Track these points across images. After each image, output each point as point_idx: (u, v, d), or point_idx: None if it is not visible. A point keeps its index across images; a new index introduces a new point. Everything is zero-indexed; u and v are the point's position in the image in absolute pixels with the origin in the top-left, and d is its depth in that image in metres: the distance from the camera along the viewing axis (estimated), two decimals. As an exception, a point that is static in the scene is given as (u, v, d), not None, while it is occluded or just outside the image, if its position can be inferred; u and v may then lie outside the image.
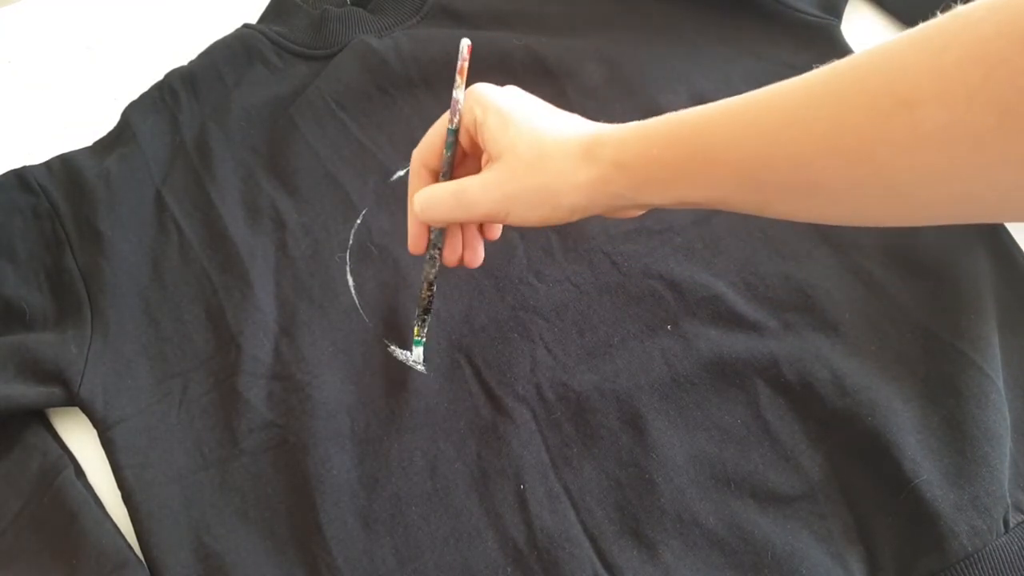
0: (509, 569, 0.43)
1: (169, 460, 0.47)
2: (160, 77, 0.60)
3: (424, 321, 0.47)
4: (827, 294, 0.49)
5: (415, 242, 0.44)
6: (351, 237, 0.54)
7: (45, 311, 0.52)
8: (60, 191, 0.55)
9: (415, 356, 0.48)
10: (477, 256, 0.45)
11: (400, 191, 0.55)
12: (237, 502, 0.46)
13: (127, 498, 0.46)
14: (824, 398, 0.45)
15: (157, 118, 0.59)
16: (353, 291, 0.52)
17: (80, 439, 0.49)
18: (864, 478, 0.43)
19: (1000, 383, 0.45)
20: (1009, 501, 0.42)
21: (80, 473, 0.48)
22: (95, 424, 0.48)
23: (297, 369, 0.49)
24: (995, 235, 0.50)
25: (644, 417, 0.46)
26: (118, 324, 0.51)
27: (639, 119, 0.57)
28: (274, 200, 0.55)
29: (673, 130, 0.36)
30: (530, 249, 0.52)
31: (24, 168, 0.56)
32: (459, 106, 0.41)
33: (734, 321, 0.48)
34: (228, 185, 0.56)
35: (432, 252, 0.44)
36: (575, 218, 0.39)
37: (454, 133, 0.42)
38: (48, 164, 0.57)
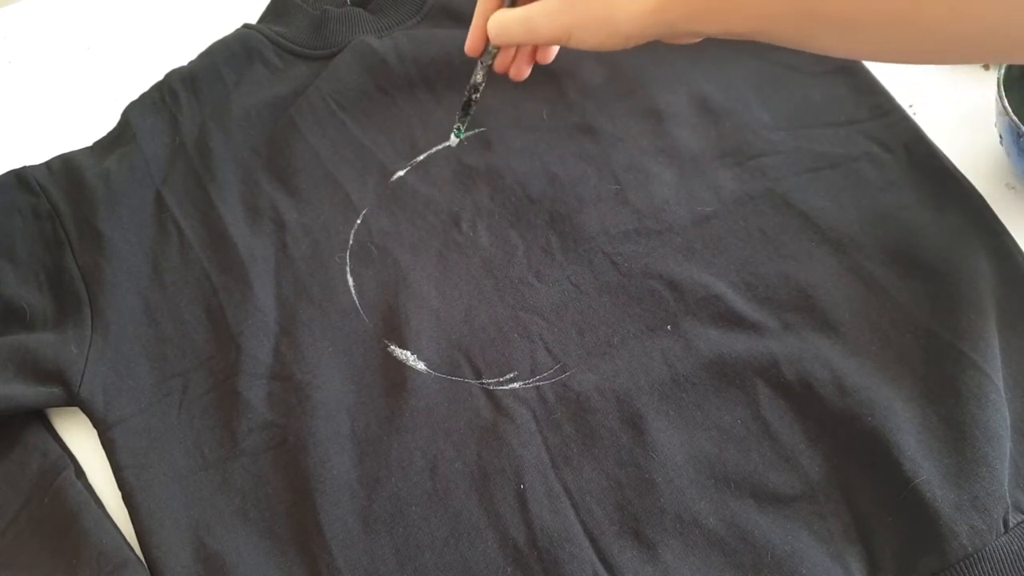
0: (509, 569, 0.43)
1: (169, 460, 0.47)
2: (160, 77, 0.60)
3: (465, 116, 0.52)
4: (827, 294, 0.49)
5: (473, 46, 0.50)
6: (351, 237, 0.54)
7: (45, 311, 0.52)
8: (60, 191, 0.55)
9: (453, 142, 0.54)
10: (523, 72, 0.52)
11: (400, 191, 0.55)
12: (237, 502, 0.46)
13: (127, 498, 0.46)
14: (824, 398, 0.45)
15: (157, 118, 0.59)
16: (353, 291, 0.52)
17: (80, 439, 0.49)
18: (864, 478, 0.43)
19: (1000, 383, 0.45)
20: (1009, 501, 0.42)
21: (80, 473, 0.48)
22: (95, 424, 0.48)
23: (297, 369, 0.49)
24: (995, 235, 0.50)
25: (644, 417, 0.46)
26: (118, 324, 0.51)
27: (639, 119, 0.57)
28: (274, 200, 0.55)
29: None
30: (530, 249, 0.53)
31: (24, 168, 0.56)
32: None
33: (734, 321, 0.48)
34: (228, 185, 0.56)
35: (487, 60, 0.50)
36: (630, 45, 0.42)
37: None
38: (48, 164, 0.57)
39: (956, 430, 0.43)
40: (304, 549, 0.44)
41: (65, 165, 0.56)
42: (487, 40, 0.49)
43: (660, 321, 0.49)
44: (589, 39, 0.43)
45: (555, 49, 0.53)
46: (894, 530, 0.42)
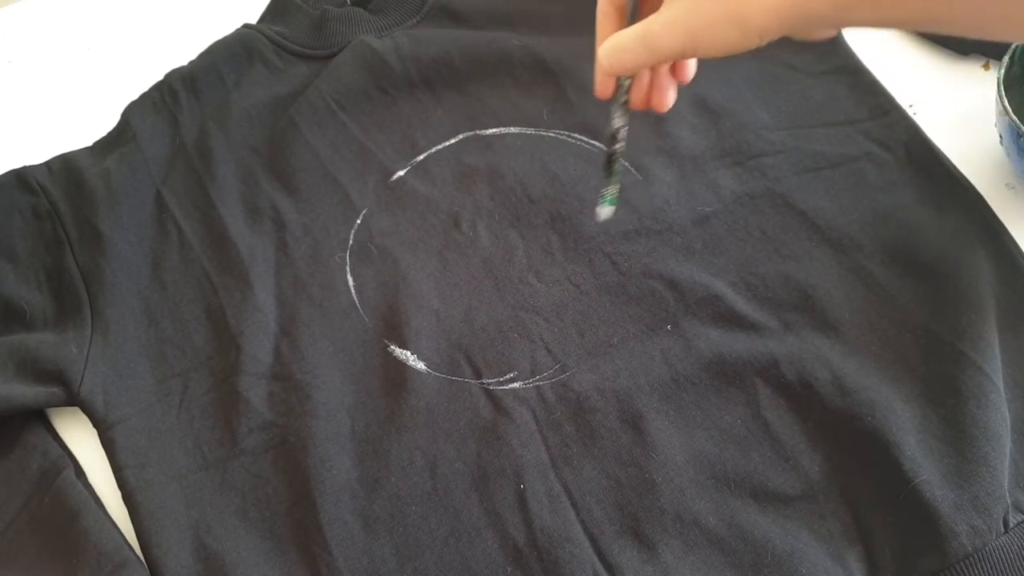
0: (509, 569, 0.43)
1: (169, 460, 0.47)
2: (160, 77, 0.60)
3: (611, 175, 0.44)
4: (827, 294, 0.49)
5: (602, 87, 0.43)
6: (351, 237, 0.54)
7: (45, 311, 0.52)
8: (60, 191, 0.55)
9: (604, 214, 0.45)
10: (667, 98, 0.44)
11: (400, 191, 0.55)
12: (237, 502, 0.46)
13: (127, 498, 0.46)
14: (824, 398, 0.45)
15: (157, 118, 0.59)
16: (353, 291, 0.52)
17: (80, 439, 0.49)
18: (864, 478, 0.43)
19: (1000, 383, 0.45)
20: (1009, 501, 0.42)
21: (80, 473, 0.48)
22: (95, 424, 0.48)
23: (297, 369, 0.49)
24: (995, 235, 0.50)
25: (644, 417, 0.46)
26: (118, 324, 0.51)
27: (639, 119, 0.57)
28: (274, 200, 0.55)
29: None
30: (530, 249, 0.53)
31: (24, 168, 0.56)
32: None
33: (734, 321, 0.48)
34: (228, 185, 0.56)
35: (620, 98, 0.42)
36: (764, 42, 0.37)
37: None
38: (48, 164, 0.57)
39: (956, 430, 0.43)
40: (304, 549, 0.44)
41: (65, 165, 0.56)
42: (617, 80, 0.42)
43: (660, 321, 0.49)
44: (718, 42, 0.37)
45: (694, 63, 0.44)
46: (894, 530, 0.42)
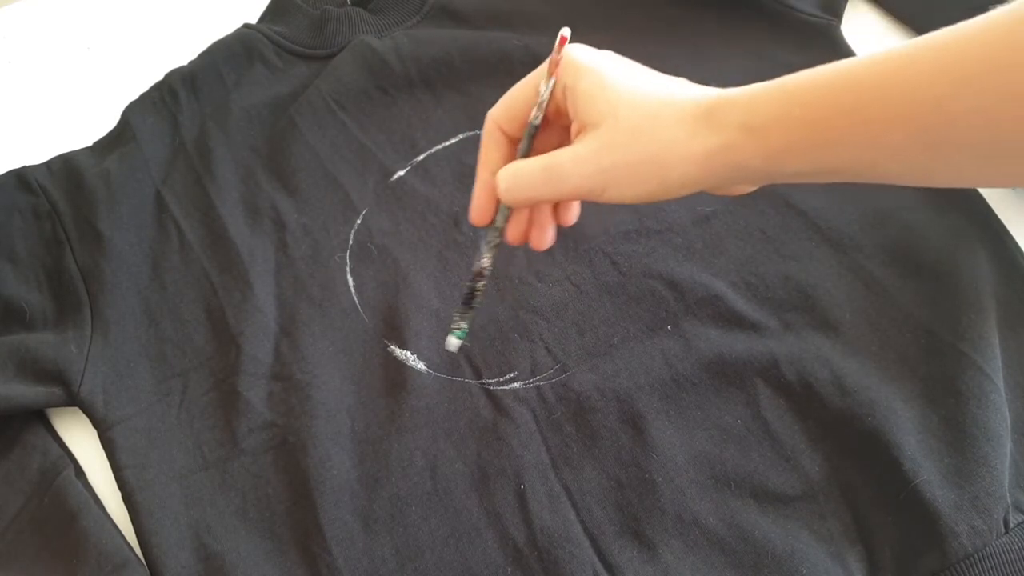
0: (509, 569, 0.43)
1: (169, 460, 0.47)
2: (160, 77, 0.60)
3: (468, 310, 0.42)
4: (827, 294, 0.49)
5: (481, 213, 0.39)
6: (351, 237, 0.54)
7: (45, 311, 0.52)
8: (60, 191, 0.55)
9: (451, 346, 0.42)
10: (546, 238, 0.40)
11: (400, 191, 0.55)
12: (237, 502, 0.46)
13: (127, 498, 0.46)
14: (824, 398, 0.45)
15: (157, 118, 0.59)
16: (353, 291, 0.52)
17: (80, 439, 0.49)
18: (864, 478, 0.43)
19: (1000, 383, 0.45)
20: (1009, 501, 0.42)
21: (80, 473, 0.48)
22: (95, 424, 0.48)
23: (297, 369, 0.49)
24: (996, 235, 0.50)
25: (644, 417, 0.46)
26: (118, 324, 0.51)
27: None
28: (274, 200, 0.55)
29: (821, 86, 0.31)
30: (530, 249, 0.52)
31: (24, 168, 0.56)
32: (544, 97, 0.37)
33: (734, 321, 0.48)
34: (228, 185, 0.56)
35: (494, 233, 0.40)
36: (683, 194, 0.34)
37: (534, 128, 0.37)
38: (48, 164, 0.57)
39: (956, 430, 0.43)
40: (304, 549, 0.44)
41: (65, 165, 0.56)
42: (497, 203, 0.39)
43: (660, 321, 0.49)
44: (631, 189, 0.34)
45: (578, 206, 0.41)
46: (894, 530, 0.42)
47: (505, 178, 0.37)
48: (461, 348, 0.49)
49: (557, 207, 0.41)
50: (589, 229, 0.52)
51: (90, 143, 0.59)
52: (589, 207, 0.53)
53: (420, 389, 0.48)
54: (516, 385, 0.48)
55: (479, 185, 0.39)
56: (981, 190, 0.51)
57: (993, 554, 0.40)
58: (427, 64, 0.60)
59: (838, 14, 0.60)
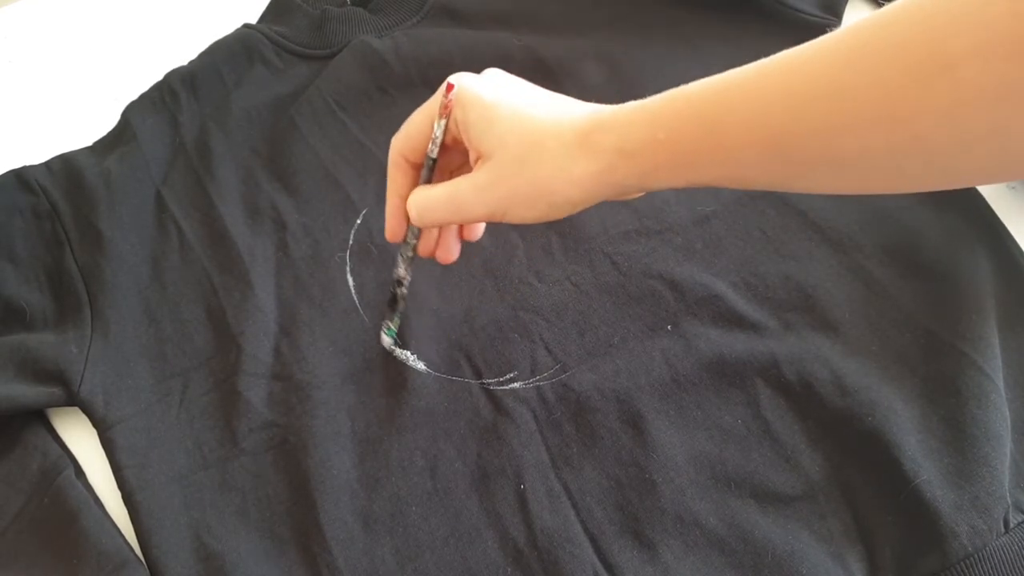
0: (509, 569, 0.43)
1: (169, 460, 0.47)
2: (160, 77, 0.60)
3: (394, 313, 0.47)
4: (827, 294, 0.49)
5: (394, 233, 0.44)
6: (351, 237, 0.54)
7: (45, 311, 0.52)
8: (60, 191, 0.55)
9: (385, 343, 0.48)
10: (451, 254, 0.45)
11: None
12: (237, 502, 0.46)
13: (127, 498, 0.46)
14: (824, 398, 0.45)
15: (157, 118, 0.59)
16: (353, 291, 0.52)
17: (80, 439, 0.49)
18: (864, 478, 0.43)
19: (1000, 383, 0.45)
20: (1009, 501, 0.42)
21: (80, 473, 0.48)
22: (95, 424, 0.48)
23: (297, 369, 0.49)
24: (996, 235, 0.50)
25: (644, 417, 0.46)
26: (118, 324, 0.51)
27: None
28: (274, 200, 0.55)
29: (681, 109, 0.33)
30: (530, 249, 0.52)
31: (24, 168, 0.56)
32: (437, 136, 0.40)
33: (734, 321, 0.48)
34: (228, 185, 0.56)
35: (405, 250, 0.44)
36: (576, 211, 0.37)
37: (432, 160, 0.41)
38: (48, 164, 0.57)
39: (956, 430, 0.43)
40: (304, 549, 0.44)
41: (65, 165, 0.56)
42: (408, 222, 0.43)
43: (660, 321, 0.49)
44: (527, 213, 0.37)
45: (482, 225, 0.45)
46: (894, 530, 0.42)
47: (415, 205, 0.40)
48: (461, 348, 0.49)
49: (462, 226, 0.45)
50: (589, 229, 0.52)
51: (90, 143, 0.59)
52: (591, 207, 0.53)
53: (420, 389, 0.48)
54: (516, 385, 0.48)
55: (390, 209, 0.43)
56: (981, 190, 0.51)
57: (993, 554, 0.40)
58: (427, 64, 0.60)
59: (838, 14, 0.60)
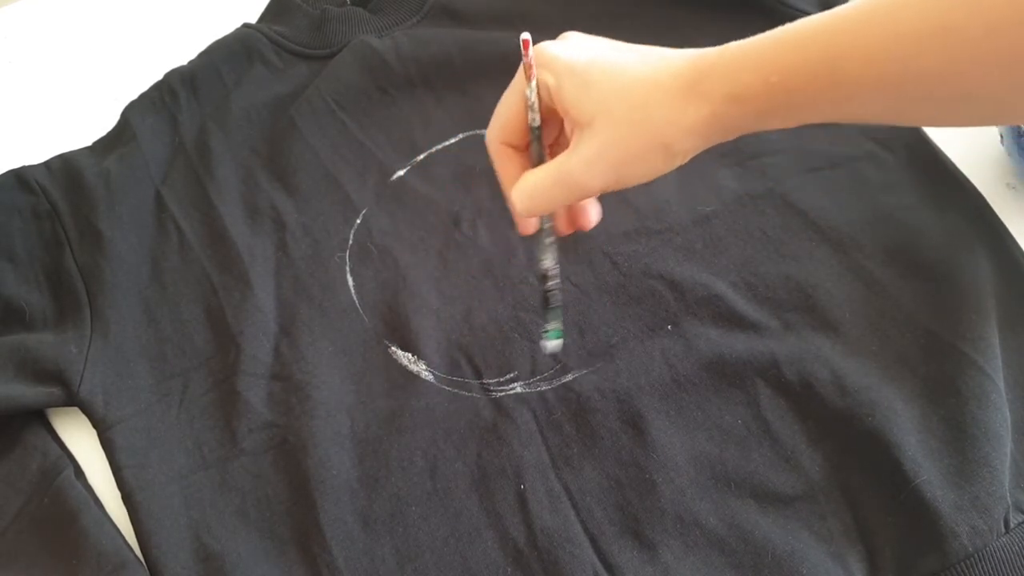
0: (509, 569, 0.43)
1: (169, 460, 0.47)
2: (160, 77, 0.60)
3: (548, 313, 0.43)
4: (827, 294, 0.49)
5: (525, 227, 0.41)
6: (351, 237, 0.54)
7: (45, 311, 0.52)
8: (60, 191, 0.55)
9: (551, 348, 0.44)
10: (591, 216, 0.42)
11: (400, 191, 0.55)
12: (237, 502, 0.46)
13: (127, 498, 0.46)
14: (824, 398, 0.45)
15: (157, 118, 0.59)
16: (353, 291, 0.52)
17: (80, 439, 0.49)
18: (864, 478, 0.43)
19: (1000, 383, 0.45)
20: (1010, 501, 0.42)
21: (80, 473, 0.48)
22: (95, 424, 0.48)
23: (297, 369, 0.49)
24: (996, 235, 0.50)
25: (644, 417, 0.46)
26: (118, 324, 0.51)
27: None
28: (274, 200, 0.55)
29: (793, 52, 0.33)
30: (530, 249, 0.52)
31: (24, 168, 0.56)
32: (533, 99, 0.37)
33: (734, 321, 0.48)
34: (228, 185, 0.56)
35: (546, 238, 0.41)
36: (687, 160, 0.36)
37: (537, 129, 0.38)
38: (48, 164, 0.57)
39: (957, 430, 0.43)
40: (304, 549, 0.44)
41: (65, 165, 0.56)
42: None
43: (660, 321, 0.49)
44: (643, 171, 0.36)
45: (596, 205, 0.43)
46: (894, 530, 0.42)
47: (520, 199, 0.38)
48: (462, 348, 0.49)
49: (575, 208, 0.42)
50: (589, 229, 0.52)
51: (90, 143, 0.59)
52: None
53: (420, 389, 0.48)
54: (516, 385, 0.48)
55: (510, 203, 0.40)
56: (981, 190, 0.51)
57: (993, 554, 0.40)
58: (427, 64, 0.60)
59: (838, 14, 0.60)
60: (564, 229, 0.42)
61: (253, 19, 0.64)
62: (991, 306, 0.47)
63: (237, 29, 0.63)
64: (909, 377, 0.46)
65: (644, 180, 0.37)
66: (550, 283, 0.43)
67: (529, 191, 0.37)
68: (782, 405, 0.46)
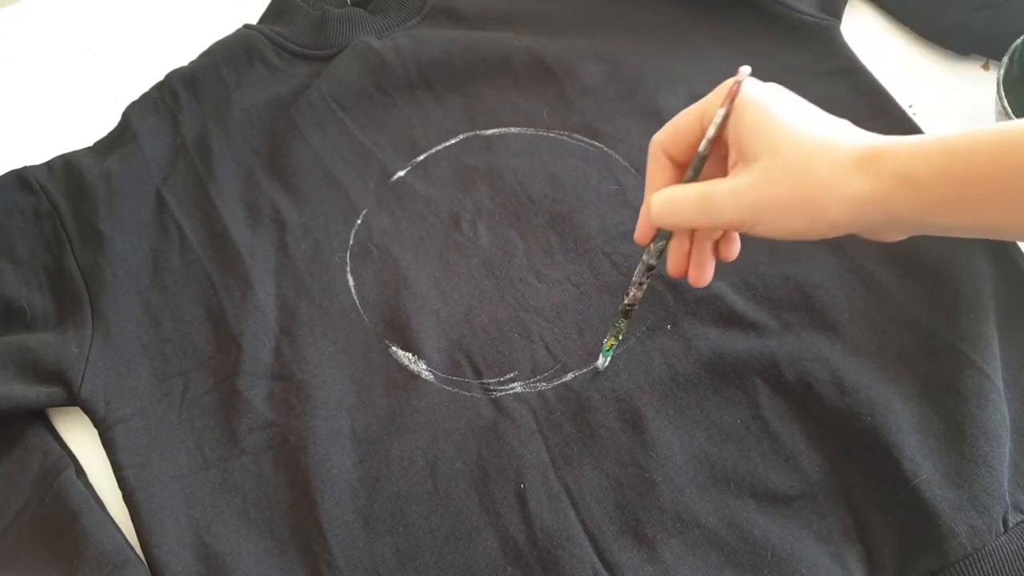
0: (509, 568, 0.43)
1: (170, 460, 0.47)
2: (160, 77, 0.60)
3: (619, 327, 0.45)
4: (827, 294, 0.49)
5: (643, 233, 0.41)
6: (351, 237, 0.54)
7: (46, 311, 0.52)
8: (60, 191, 0.55)
9: (601, 365, 0.47)
10: (705, 275, 0.41)
11: (400, 191, 0.56)
12: (237, 502, 0.46)
13: (127, 498, 0.46)
14: (824, 398, 0.45)
15: (157, 118, 0.59)
16: (353, 291, 0.52)
17: (81, 439, 0.49)
18: (864, 478, 0.43)
19: (1000, 383, 0.45)
20: (1008, 501, 0.42)
21: (81, 473, 0.48)
22: (96, 424, 0.48)
23: (297, 369, 0.49)
24: (995, 235, 0.50)
25: (644, 417, 0.46)
26: (119, 324, 0.51)
27: (639, 119, 0.57)
28: (274, 200, 0.55)
29: (984, 144, 0.31)
30: (530, 249, 0.53)
31: (24, 168, 0.56)
32: (713, 132, 0.37)
33: (734, 321, 0.48)
34: (228, 185, 0.56)
35: (651, 253, 0.41)
36: (831, 235, 0.35)
37: (702, 158, 0.38)
38: (48, 164, 0.57)
39: (956, 430, 0.43)
40: (304, 548, 0.44)
41: (65, 165, 0.56)
42: (657, 229, 0.40)
43: (660, 321, 0.49)
44: (781, 225, 0.34)
45: (739, 241, 0.41)
46: (894, 530, 0.42)
47: (660, 201, 0.37)
48: (462, 348, 0.49)
49: (718, 242, 0.41)
50: (589, 229, 0.52)
51: (90, 143, 0.59)
52: (591, 208, 0.53)
53: (420, 389, 0.48)
54: (516, 385, 0.48)
55: (644, 207, 0.40)
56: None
57: (992, 554, 0.41)
58: (427, 64, 0.60)
59: (837, 14, 0.60)
60: (677, 270, 0.42)
61: (253, 19, 0.64)
62: (990, 306, 0.47)
63: (238, 30, 0.63)
64: (908, 377, 0.46)
65: (777, 234, 0.35)
66: (639, 290, 0.43)
67: (668, 198, 0.37)
68: (781, 405, 0.46)
